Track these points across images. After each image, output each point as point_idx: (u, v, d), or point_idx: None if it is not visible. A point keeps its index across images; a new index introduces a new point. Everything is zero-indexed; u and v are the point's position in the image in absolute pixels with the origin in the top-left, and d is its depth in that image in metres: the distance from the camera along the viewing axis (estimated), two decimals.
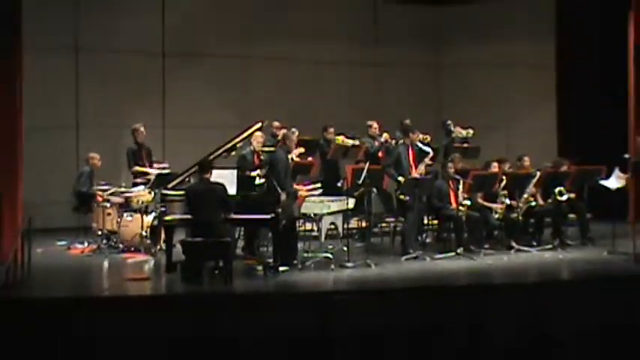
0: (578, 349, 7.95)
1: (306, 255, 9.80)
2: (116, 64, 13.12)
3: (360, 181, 9.90)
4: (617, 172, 10.41)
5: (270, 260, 9.08)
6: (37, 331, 7.21)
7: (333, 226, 10.12)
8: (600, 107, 13.31)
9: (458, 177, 10.42)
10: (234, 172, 9.25)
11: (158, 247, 10.18)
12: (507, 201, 10.51)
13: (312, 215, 9.64)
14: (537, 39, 14.48)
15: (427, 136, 11.05)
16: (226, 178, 8.99)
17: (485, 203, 10.69)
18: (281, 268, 8.98)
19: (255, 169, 10.04)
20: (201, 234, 8.50)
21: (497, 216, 10.59)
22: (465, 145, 12.18)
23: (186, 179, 9.50)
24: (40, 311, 7.43)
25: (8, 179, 9.19)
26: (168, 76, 13.65)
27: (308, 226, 10.34)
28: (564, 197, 10.61)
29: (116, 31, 13.09)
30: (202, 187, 8.74)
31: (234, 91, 13.94)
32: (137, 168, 11.09)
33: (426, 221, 10.98)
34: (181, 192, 9.05)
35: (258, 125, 10.12)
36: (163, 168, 10.94)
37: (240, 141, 9.96)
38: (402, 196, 10.09)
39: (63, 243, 11.01)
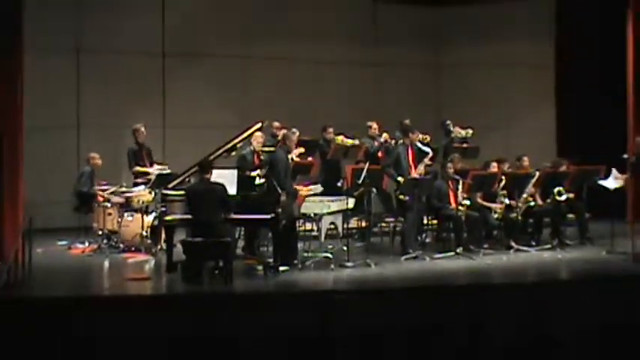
0: (578, 349, 7.96)
1: (306, 255, 9.82)
2: (117, 65, 13.14)
3: (360, 181, 9.92)
4: (614, 172, 10.44)
5: (271, 260, 9.10)
6: (37, 331, 7.22)
7: (332, 226, 10.15)
8: (600, 107, 13.33)
9: (457, 177, 10.44)
10: (235, 172, 9.26)
11: (158, 246, 10.20)
12: (506, 201, 10.53)
13: (312, 215, 9.67)
14: (537, 39, 14.50)
15: (426, 136, 11.08)
16: (226, 178, 9.01)
17: (485, 203, 10.72)
18: (281, 268, 9.00)
19: (255, 169, 10.06)
20: (202, 234, 8.52)
21: (496, 216, 10.61)
22: (465, 145, 12.19)
23: (187, 179, 9.52)
24: (40, 311, 7.45)
25: (9, 179, 9.20)
26: (168, 77, 13.67)
27: (308, 225, 10.36)
28: (563, 197, 10.63)
29: (117, 32, 13.11)
30: (202, 187, 8.76)
31: (234, 91, 13.96)
32: (138, 168, 11.11)
33: (425, 221, 11.00)
34: (182, 192, 9.07)
35: (258, 125, 10.14)
36: (162, 169, 10.95)
37: (241, 141, 9.97)
38: (401, 196, 10.12)
39: (64, 243, 11.03)
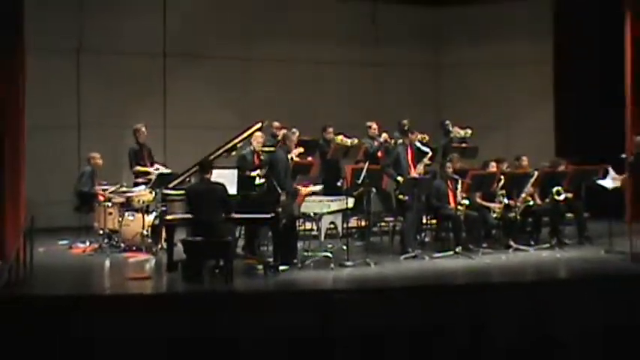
0: (580, 350, 7.96)
1: (306, 254, 9.85)
2: (117, 65, 13.18)
3: (360, 181, 9.95)
4: (611, 172, 10.48)
5: (271, 259, 9.13)
6: (37, 331, 7.24)
7: (332, 226, 10.19)
8: (599, 107, 13.34)
9: (456, 177, 10.47)
10: (235, 172, 9.29)
11: (159, 246, 10.22)
12: (505, 200, 10.57)
13: (311, 214, 9.70)
14: (536, 39, 14.51)
15: (425, 136, 11.11)
16: (227, 177, 9.04)
17: (484, 203, 10.75)
18: (281, 268, 9.03)
19: (255, 169, 10.08)
20: (202, 233, 8.56)
21: (495, 215, 10.65)
22: (464, 145, 12.23)
23: (187, 179, 9.56)
24: (40, 311, 7.46)
25: (11, 178, 9.23)
26: (169, 77, 13.70)
27: (308, 225, 10.38)
28: (562, 197, 10.66)
29: (117, 32, 13.14)
30: (203, 187, 8.80)
31: (234, 92, 13.99)
32: (138, 168, 11.14)
33: (424, 220, 11.02)
34: (182, 192, 9.10)
35: (258, 125, 10.16)
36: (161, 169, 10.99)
37: (241, 141, 9.99)
38: (401, 196, 10.15)
39: (65, 242, 11.06)
